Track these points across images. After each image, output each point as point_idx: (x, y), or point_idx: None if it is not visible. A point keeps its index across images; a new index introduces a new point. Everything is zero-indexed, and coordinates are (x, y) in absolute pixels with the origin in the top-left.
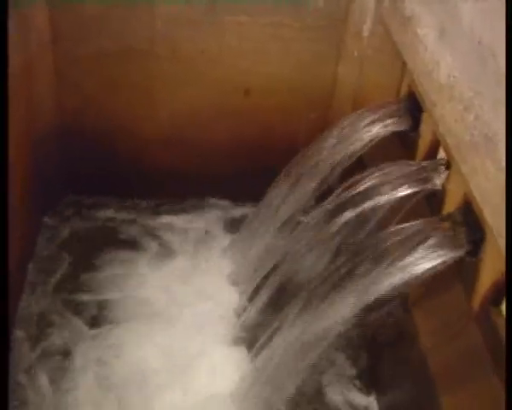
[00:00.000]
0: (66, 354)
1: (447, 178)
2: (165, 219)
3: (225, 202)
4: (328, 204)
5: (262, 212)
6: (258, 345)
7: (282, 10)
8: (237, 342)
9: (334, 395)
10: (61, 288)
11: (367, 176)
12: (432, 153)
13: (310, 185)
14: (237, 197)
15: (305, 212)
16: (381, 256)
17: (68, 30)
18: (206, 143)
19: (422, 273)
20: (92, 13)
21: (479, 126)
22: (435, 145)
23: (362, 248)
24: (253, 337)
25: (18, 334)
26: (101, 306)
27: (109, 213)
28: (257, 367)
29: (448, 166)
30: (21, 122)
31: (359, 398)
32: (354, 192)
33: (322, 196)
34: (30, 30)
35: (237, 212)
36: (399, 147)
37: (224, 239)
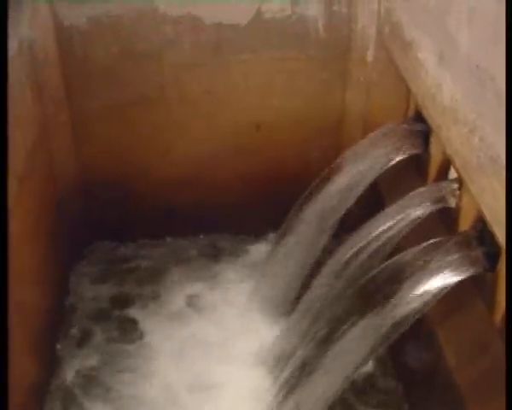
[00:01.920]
0: None
1: (460, 197)
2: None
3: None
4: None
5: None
6: None
7: (286, 44)
8: None
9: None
10: None
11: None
12: (443, 172)
13: (326, 218)
14: (253, 231)
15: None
16: (402, 278)
17: (81, 85)
18: (221, 180)
19: (442, 292)
20: (103, 66)
21: (484, 148)
22: (446, 165)
23: (383, 273)
24: None
25: None
26: None
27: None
28: None
29: (460, 184)
30: (46, 178)
31: None
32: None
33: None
34: (45, 89)
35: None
36: (411, 169)
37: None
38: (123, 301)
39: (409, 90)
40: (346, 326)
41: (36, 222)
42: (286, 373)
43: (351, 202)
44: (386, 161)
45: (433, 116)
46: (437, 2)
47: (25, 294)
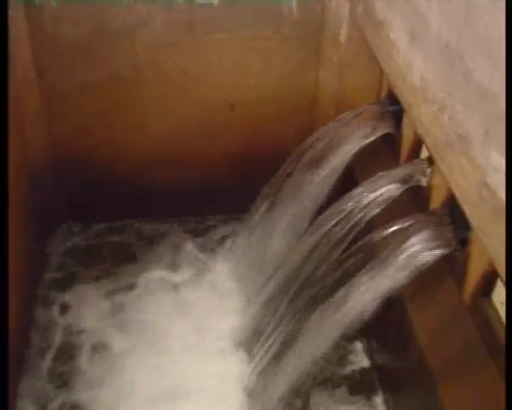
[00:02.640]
0: None
1: (431, 175)
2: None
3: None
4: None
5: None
6: None
7: (260, 24)
8: None
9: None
10: None
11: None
12: (415, 152)
13: (300, 195)
14: (227, 210)
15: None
16: (374, 257)
17: (52, 62)
18: (198, 158)
19: (414, 270)
20: (74, 44)
21: (453, 126)
22: (418, 144)
23: (355, 251)
24: None
25: None
26: None
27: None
28: None
29: (431, 163)
30: (16, 157)
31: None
32: (345, 199)
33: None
34: (15, 67)
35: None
36: (385, 148)
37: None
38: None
39: (382, 71)
40: (316, 307)
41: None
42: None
43: (328, 186)
44: (359, 141)
45: (405, 96)
46: None
47: None
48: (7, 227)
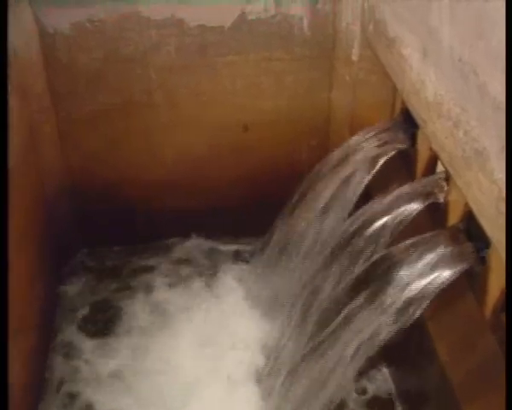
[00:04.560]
0: None
1: (448, 191)
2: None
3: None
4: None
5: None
6: None
7: (271, 45)
8: None
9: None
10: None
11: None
12: (431, 167)
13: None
14: (244, 233)
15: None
16: (392, 275)
17: (67, 90)
18: (210, 182)
19: (434, 289)
20: (88, 71)
21: (469, 142)
22: (433, 160)
23: (373, 269)
24: None
25: None
26: None
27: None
28: None
29: (447, 179)
30: (33, 184)
31: None
32: (361, 218)
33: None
34: (30, 97)
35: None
36: (399, 165)
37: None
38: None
39: (395, 88)
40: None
41: (24, 227)
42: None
43: (347, 209)
44: (374, 160)
45: (419, 112)
46: None
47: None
48: (6, 231)
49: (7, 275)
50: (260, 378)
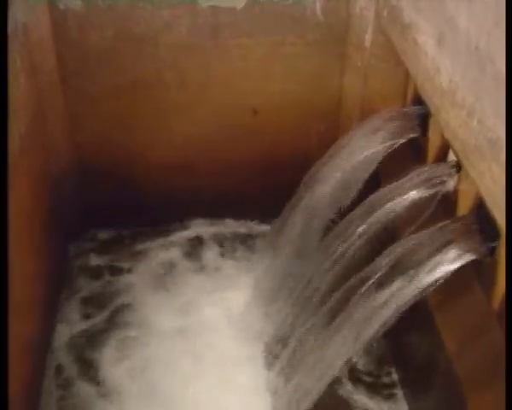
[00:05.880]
0: None
1: (459, 180)
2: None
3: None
4: (347, 219)
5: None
6: None
7: (283, 28)
8: None
9: (362, 398)
10: None
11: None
12: (442, 155)
13: (326, 200)
14: (254, 216)
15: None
16: (402, 264)
17: (76, 68)
18: (220, 163)
19: (441, 278)
20: (98, 49)
21: (483, 131)
22: (445, 148)
23: (383, 257)
24: None
25: None
26: None
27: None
28: None
29: (459, 168)
30: (40, 162)
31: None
32: (372, 203)
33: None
34: (40, 72)
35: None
36: (410, 152)
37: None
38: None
39: (407, 74)
40: (344, 312)
41: (31, 206)
42: None
43: (354, 191)
44: (384, 146)
45: (432, 99)
46: None
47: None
48: (7, 229)
49: (7, 272)
50: None
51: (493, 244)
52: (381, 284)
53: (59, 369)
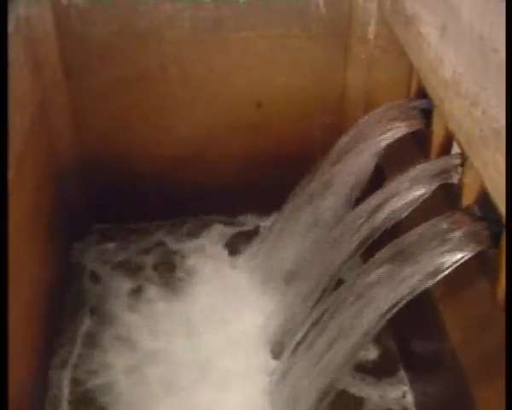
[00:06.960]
0: None
1: (463, 172)
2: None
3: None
4: (351, 213)
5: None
6: None
7: (287, 22)
8: None
9: (368, 389)
10: None
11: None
12: (446, 148)
13: (329, 195)
14: (257, 210)
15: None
16: (407, 255)
17: (80, 62)
18: (224, 158)
19: (446, 268)
20: (102, 44)
21: (487, 121)
22: (449, 140)
23: (387, 250)
24: None
25: None
26: None
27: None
28: None
29: (463, 159)
30: (44, 158)
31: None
32: (375, 198)
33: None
34: (43, 68)
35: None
36: (414, 145)
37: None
38: None
39: (411, 66)
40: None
41: (35, 202)
42: None
43: (359, 186)
44: (389, 139)
45: (436, 91)
46: None
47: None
48: (7, 228)
49: (7, 268)
50: None
51: (498, 234)
52: (385, 275)
53: None
